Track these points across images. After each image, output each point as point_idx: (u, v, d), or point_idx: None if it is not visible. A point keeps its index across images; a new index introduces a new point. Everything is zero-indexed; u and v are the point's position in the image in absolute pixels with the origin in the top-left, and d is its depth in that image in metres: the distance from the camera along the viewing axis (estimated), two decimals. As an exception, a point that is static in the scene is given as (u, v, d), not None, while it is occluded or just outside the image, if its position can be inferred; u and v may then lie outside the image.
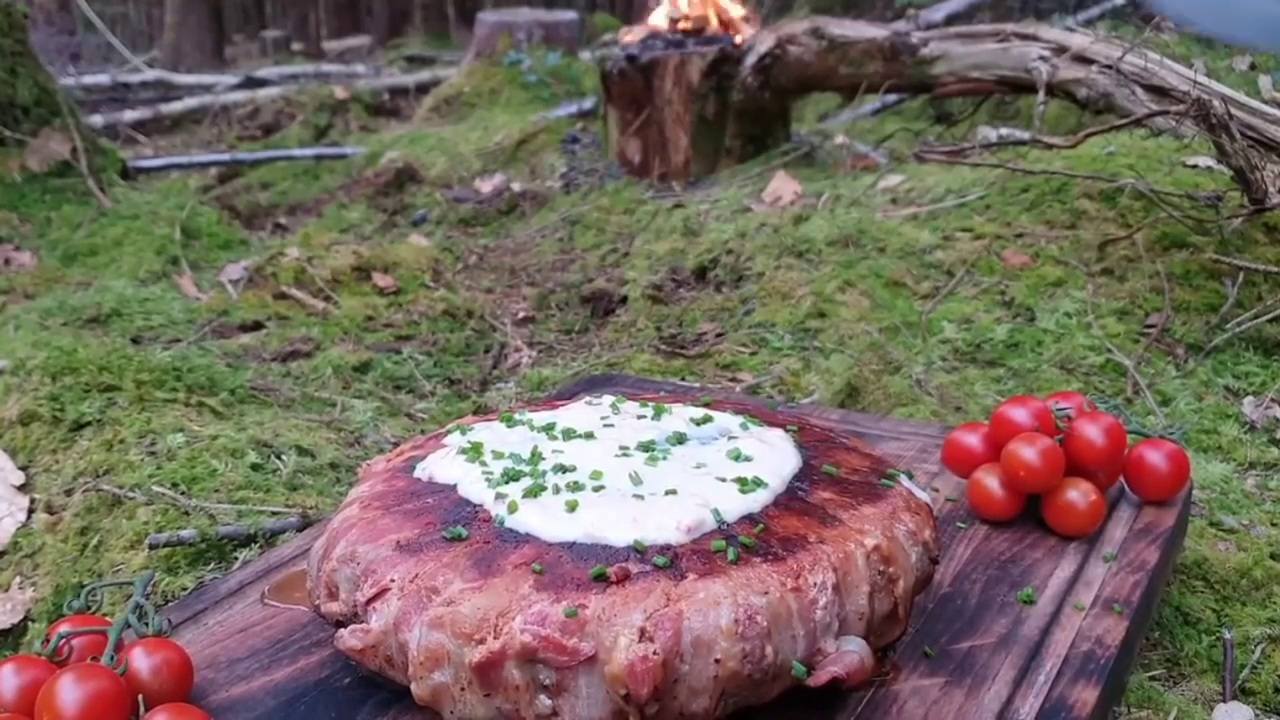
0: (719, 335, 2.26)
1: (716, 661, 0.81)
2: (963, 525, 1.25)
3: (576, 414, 1.12)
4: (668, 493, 0.94)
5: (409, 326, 2.40)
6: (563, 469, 0.98)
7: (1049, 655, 1.00)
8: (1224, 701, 1.15)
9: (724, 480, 0.96)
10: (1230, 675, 1.18)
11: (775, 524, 0.91)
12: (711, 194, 3.25)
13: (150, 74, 7.49)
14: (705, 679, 0.81)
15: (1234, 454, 1.73)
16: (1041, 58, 2.92)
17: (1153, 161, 2.62)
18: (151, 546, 1.36)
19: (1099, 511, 1.21)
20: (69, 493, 1.54)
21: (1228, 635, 1.23)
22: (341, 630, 0.90)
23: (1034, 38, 3.04)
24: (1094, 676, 0.97)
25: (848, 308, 2.25)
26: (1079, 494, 1.21)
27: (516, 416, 1.12)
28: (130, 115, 5.93)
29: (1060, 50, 2.91)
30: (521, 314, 2.60)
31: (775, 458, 1.01)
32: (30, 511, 1.54)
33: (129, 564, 1.37)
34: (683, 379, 2.01)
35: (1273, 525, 1.50)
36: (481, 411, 1.92)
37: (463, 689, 0.82)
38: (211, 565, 1.36)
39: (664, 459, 1.01)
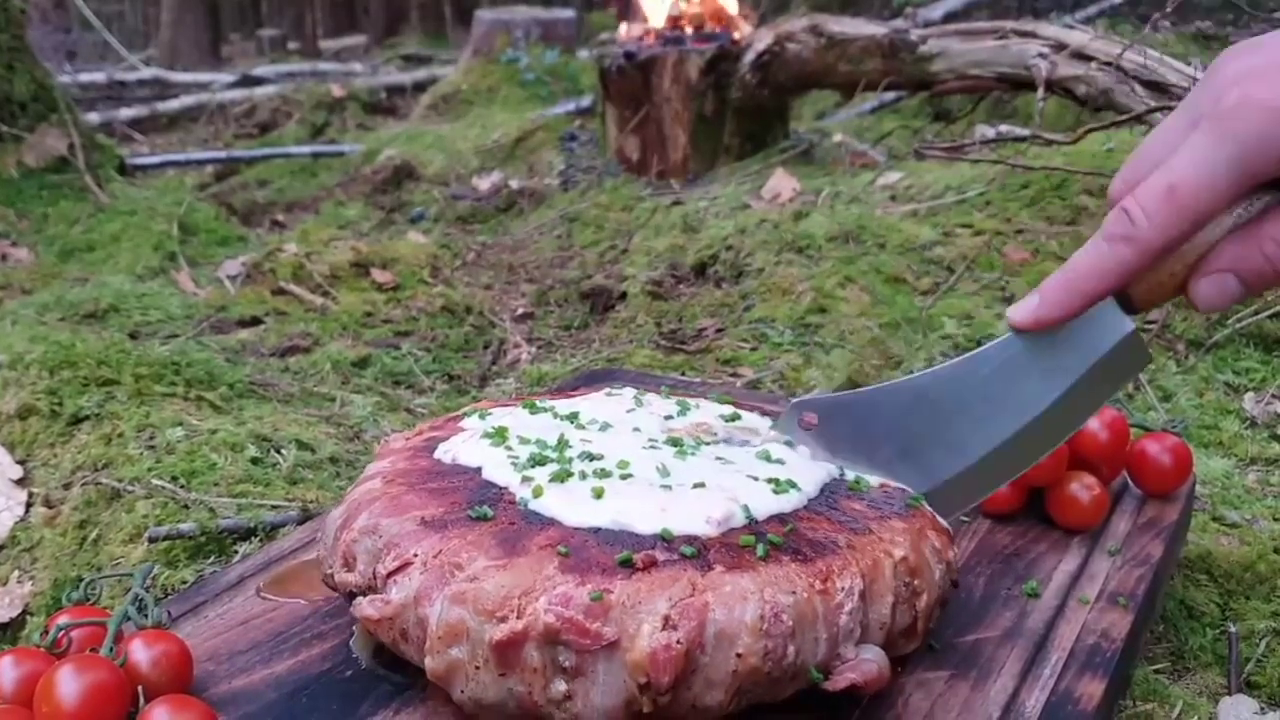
0: (719, 331, 2.26)
1: (738, 656, 0.80)
2: (966, 519, 1.24)
3: (600, 404, 1.11)
4: (695, 485, 0.93)
5: (408, 322, 2.39)
6: (590, 456, 0.97)
7: (1054, 649, 0.99)
8: (1229, 695, 1.14)
9: (755, 479, 0.95)
10: (1235, 669, 1.18)
11: (805, 526, 0.91)
12: (710, 191, 3.25)
13: (146, 72, 7.49)
14: (724, 673, 0.80)
15: (1235, 449, 1.73)
16: (1040, 55, 2.92)
17: (1153, 158, 2.61)
18: (151, 540, 1.36)
19: (1102, 505, 1.21)
20: (67, 486, 1.54)
21: (1232, 629, 1.23)
22: (360, 599, 0.89)
23: (1033, 35, 3.04)
24: (1100, 670, 0.96)
25: (848, 303, 2.24)
26: (1082, 487, 1.20)
27: (539, 404, 1.11)
28: (126, 113, 5.93)
29: (1059, 47, 2.91)
30: (520, 310, 2.60)
31: (809, 465, 1.01)
32: (28, 505, 1.53)
33: (128, 557, 1.36)
34: (683, 374, 2.01)
35: (1275, 520, 1.49)
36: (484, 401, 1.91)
37: (478, 667, 0.81)
38: (211, 559, 1.35)
39: (693, 454, 1.00)
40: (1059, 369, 0.96)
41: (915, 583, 0.91)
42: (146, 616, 0.95)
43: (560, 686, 0.80)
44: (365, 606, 0.88)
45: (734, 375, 2.03)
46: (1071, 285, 0.90)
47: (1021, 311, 0.93)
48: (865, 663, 0.85)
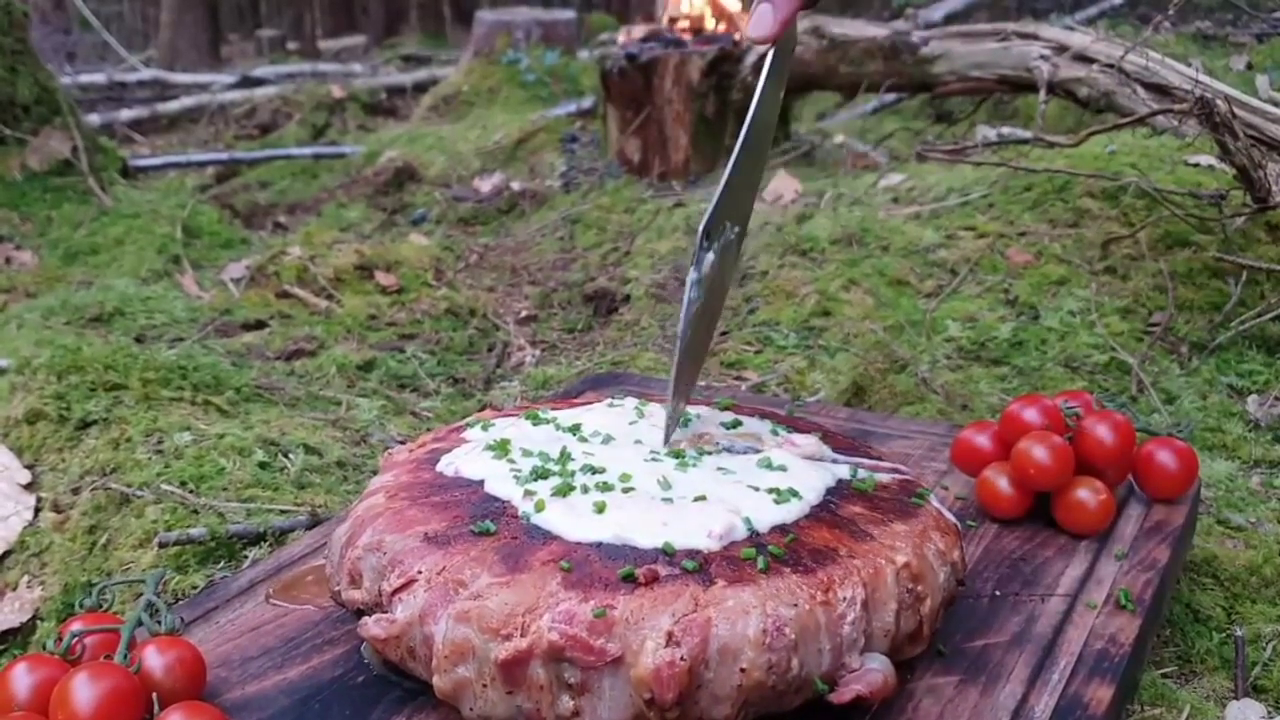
0: (723, 334, 2.26)
1: (742, 671, 0.80)
2: (973, 524, 1.25)
3: (602, 416, 1.12)
4: (697, 498, 0.94)
5: (412, 325, 2.39)
6: (592, 470, 0.98)
7: (1063, 653, 1.00)
8: (1236, 699, 1.15)
9: (757, 489, 0.96)
10: (1242, 672, 1.18)
11: (806, 535, 0.91)
12: (712, 193, 3.24)
13: (146, 73, 7.48)
14: (729, 687, 0.81)
15: (1239, 452, 1.73)
16: (1042, 57, 2.92)
17: (1155, 160, 2.62)
18: (161, 545, 1.36)
19: (1109, 510, 1.21)
20: (76, 491, 1.54)
21: (1239, 632, 1.23)
22: (365, 618, 0.89)
23: (1034, 37, 3.04)
24: (1108, 674, 0.97)
25: (852, 306, 2.24)
26: (1089, 492, 1.21)
27: (541, 414, 1.12)
28: (127, 114, 5.92)
29: (1061, 49, 2.92)
30: (524, 313, 2.60)
31: (811, 470, 1.01)
32: (37, 510, 1.53)
33: (138, 562, 1.37)
34: (687, 377, 2.01)
35: (1280, 523, 1.50)
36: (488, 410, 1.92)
37: (485, 685, 0.82)
38: (221, 564, 1.36)
39: (694, 465, 1.00)
40: None
41: (918, 588, 0.91)
42: (160, 623, 0.95)
43: (567, 703, 0.80)
44: (371, 626, 0.88)
45: (738, 379, 2.03)
46: None
47: None
48: (871, 673, 0.85)
